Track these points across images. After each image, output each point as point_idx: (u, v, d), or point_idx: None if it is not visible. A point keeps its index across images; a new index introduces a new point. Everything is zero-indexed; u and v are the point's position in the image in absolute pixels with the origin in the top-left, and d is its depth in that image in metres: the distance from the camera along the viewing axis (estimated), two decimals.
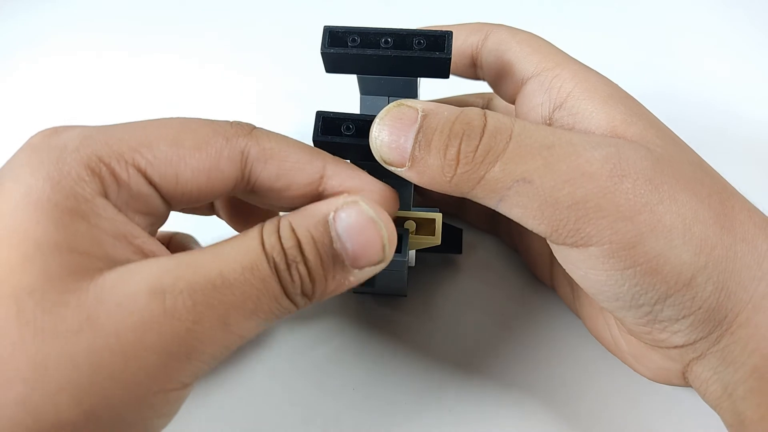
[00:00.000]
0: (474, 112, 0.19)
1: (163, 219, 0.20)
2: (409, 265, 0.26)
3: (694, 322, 0.19)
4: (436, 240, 0.23)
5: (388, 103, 0.25)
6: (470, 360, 0.27)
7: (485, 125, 0.19)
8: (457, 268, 0.29)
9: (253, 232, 0.18)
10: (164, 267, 0.16)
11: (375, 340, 0.27)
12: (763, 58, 0.38)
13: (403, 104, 0.19)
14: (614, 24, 0.40)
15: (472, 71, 0.25)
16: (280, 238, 0.17)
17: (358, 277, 0.18)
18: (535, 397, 0.26)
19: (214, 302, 0.16)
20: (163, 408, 0.16)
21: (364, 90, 0.25)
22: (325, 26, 0.23)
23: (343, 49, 0.22)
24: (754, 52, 0.38)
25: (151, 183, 0.18)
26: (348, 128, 0.22)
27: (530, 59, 0.22)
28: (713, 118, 0.35)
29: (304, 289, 0.18)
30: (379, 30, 0.23)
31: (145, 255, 0.18)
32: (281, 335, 0.27)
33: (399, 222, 0.24)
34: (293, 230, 0.18)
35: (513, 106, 0.24)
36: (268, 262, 0.17)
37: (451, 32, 0.22)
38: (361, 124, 0.22)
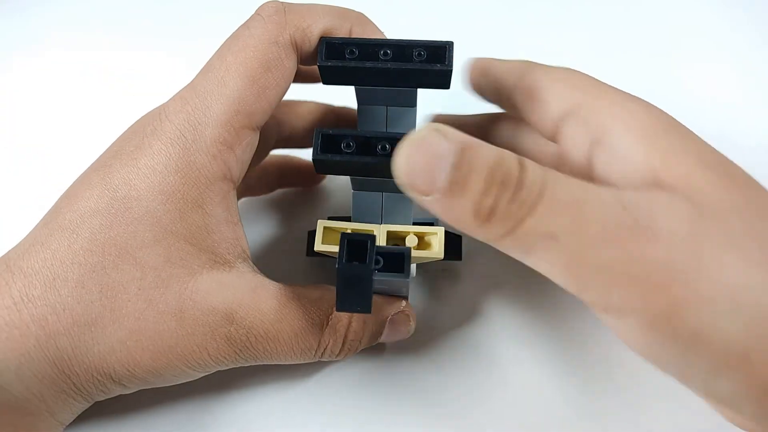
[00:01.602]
0: (512, 160, 0.17)
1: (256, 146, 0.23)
2: (411, 276, 0.26)
3: (759, 403, 0.16)
4: (439, 254, 0.23)
5: (387, 113, 0.25)
6: (472, 365, 0.27)
7: (524, 177, 0.16)
8: (457, 275, 0.29)
9: (323, 312, 0.23)
10: (245, 301, 0.21)
11: (376, 348, 0.27)
12: (763, 58, 0.37)
13: (440, 131, 0.16)
14: (616, 23, 0.40)
15: (507, 105, 0.24)
16: (348, 333, 0.23)
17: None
18: (540, 402, 0.26)
19: (262, 348, 0.22)
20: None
21: (362, 100, 0.24)
22: (322, 37, 0.22)
23: (341, 61, 0.22)
24: (756, 53, 0.38)
25: (256, 129, 0.22)
26: (348, 145, 0.21)
27: (568, 95, 0.21)
28: (715, 119, 0.34)
29: (340, 358, 0.24)
30: (377, 41, 0.22)
31: (239, 248, 0.22)
32: None
33: (400, 237, 0.23)
34: (363, 326, 0.23)
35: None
36: (320, 341, 0.23)
37: (452, 43, 0.22)
38: (362, 140, 0.21)
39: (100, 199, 0.21)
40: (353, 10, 0.23)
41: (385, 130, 0.24)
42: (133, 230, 0.20)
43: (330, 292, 0.23)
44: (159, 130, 0.21)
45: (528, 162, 0.17)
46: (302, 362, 0.23)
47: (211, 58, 0.22)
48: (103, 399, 0.22)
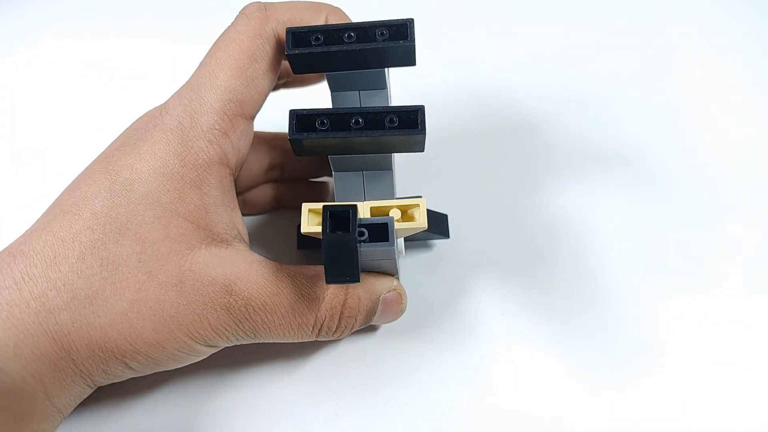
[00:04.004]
0: None
1: (252, 136, 0.25)
2: (400, 254, 0.26)
3: None
4: (422, 224, 0.24)
5: (360, 98, 0.25)
6: (461, 341, 0.27)
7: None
8: (444, 254, 0.30)
9: (319, 288, 0.23)
10: (243, 274, 0.22)
11: (368, 329, 0.27)
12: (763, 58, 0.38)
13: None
14: (615, 23, 0.40)
15: None
16: (343, 312, 0.24)
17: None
18: (528, 373, 0.26)
19: (260, 320, 0.22)
20: (194, 357, 0.23)
21: (335, 87, 0.25)
22: (287, 28, 0.23)
23: (308, 48, 0.23)
24: (756, 52, 0.38)
25: (249, 118, 0.24)
26: (323, 123, 0.22)
27: None
28: (714, 118, 0.35)
29: (336, 337, 0.25)
30: (340, 26, 0.23)
31: (235, 230, 0.23)
32: None
33: (383, 212, 0.24)
34: (360, 303, 0.24)
35: None
36: (316, 318, 0.23)
37: (413, 19, 0.23)
38: (335, 117, 0.22)
39: (102, 183, 0.22)
40: (329, 4, 0.25)
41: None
42: (133, 209, 0.21)
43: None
44: (159, 122, 0.23)
45: None
46: (301, 340, 0.24)
47: (203, 57, 0.24)
48: (104, 383, 0.22)
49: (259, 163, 0.29)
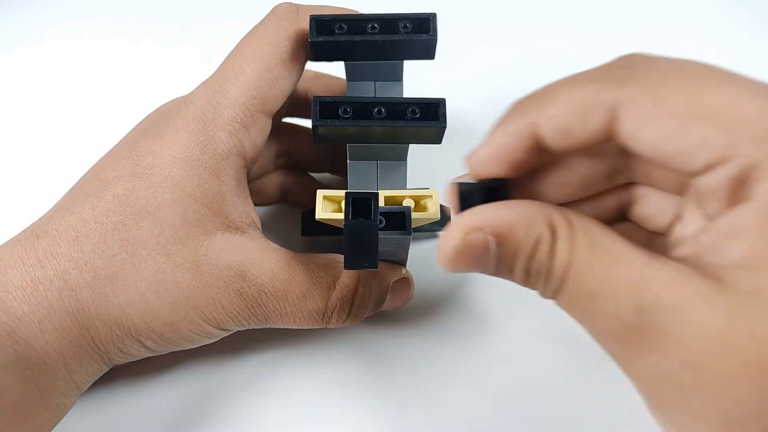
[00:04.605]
0: (545, 249, 0.17)
1: (269, 133, 0.25)
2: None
3: None
4: (435, 215, 0.24)
5: (375, 88, 0.26)
6: (467, 327, 0.28)
7: (552, 262, 0.17)
8: None
9: (330, 276, 0.24)
10: (257, 260, 0.23)
11: (377, 316, 0.28)
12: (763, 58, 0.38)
13: (471, 227, 0.17)
14: (614, 20, 0.41)
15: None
16: (354, 298, 0.24)
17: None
18: (540, 375, 0.27)
19: (271, 306, 0.23)
20: (208, 339, 0.23)
21: (351, 76, 0.25)
22: (311, 16, 0.23)
23: (331, 36, 0.23)
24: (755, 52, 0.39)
25: (268, 116, 0.24)
26: (346, 111, 0.22)
27: (710, 139, 0.15)
28: None
29: (347, 324, 0.25)
30: (365, 16, 0.23)
31: (249, 218, 0.24)
32: None
33: (397, 201, 0.24)
34: (371, 290, 0.24)
35: None
36: (327, 304, 0.23)
37: (435, 14, 0.23)
38: (358, 106, 0.22)
39: (124, 167, 0.22)
40: (358, 12, 0.25)
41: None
42: (153, 192, 0.22)
43: (337, 260, 0.25)
44: (183, 111, 0.23)
45: (559, 244, 0.16)
46: (311, 327, 0.24)
47: (231, 51, 0.24)
48: (120, 361, 0.22)
49: (269, 149, 0.29)
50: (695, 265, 0.15)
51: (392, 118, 0.22)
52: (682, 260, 0.16)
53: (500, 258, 0.17)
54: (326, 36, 0.23)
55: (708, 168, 0.15)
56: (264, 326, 0.24)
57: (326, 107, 0.22)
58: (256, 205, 0.31)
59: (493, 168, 0.18)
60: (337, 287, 0.24)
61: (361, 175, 0.25)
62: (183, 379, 0.26)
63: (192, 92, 0.24)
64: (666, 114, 0.15)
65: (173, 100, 0.25)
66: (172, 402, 0.26)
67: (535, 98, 0.17)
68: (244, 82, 0.23)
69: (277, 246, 0.24)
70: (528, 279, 0.17)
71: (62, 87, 0.37)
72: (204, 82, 0.24)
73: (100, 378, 0.23)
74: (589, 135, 0.16)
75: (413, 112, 0.22)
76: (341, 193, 0.24)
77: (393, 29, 0.23)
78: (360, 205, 0.21)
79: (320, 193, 0.24)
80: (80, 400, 0.23)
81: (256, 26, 0.24)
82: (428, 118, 0.22)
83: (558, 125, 0.17)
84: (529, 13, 0.41)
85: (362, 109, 0.22)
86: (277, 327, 0.24)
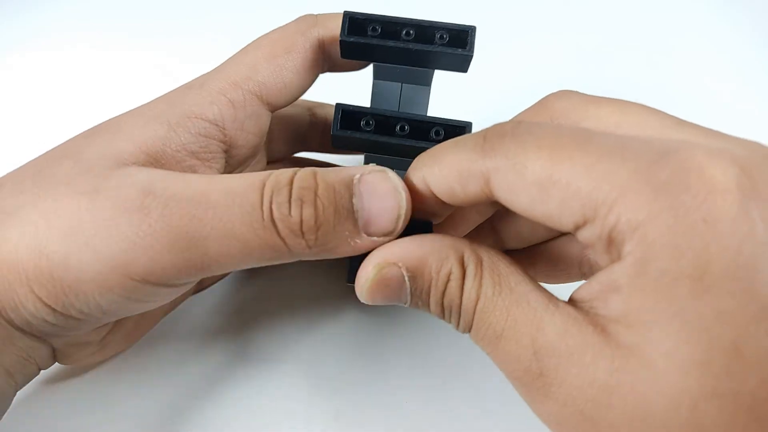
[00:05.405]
0: (455, 290, 0.17)
1: (267, 128, 0.23)
2: None
3: None
4: None
5: (401, 90, 0.25)
6: (468, 341, 0.28)
7: (462, 302, 0.17)
8: None
9: (263, 172, 0.19)
10: (165, 176, 0.19)
11: (368, 326, 0.28)
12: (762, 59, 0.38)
13: (385, 261, 0.17)
14: (613, 22, 0.40)
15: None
16: (293, 178, 0.18)
17: (362, 244, 0.18)
18: None
19: (187, 215, 0.18)
20: (126, 292, 0.18)
21: (378, 75, 0.24)
22: (345, 11, 0.22)
23: (363, 38, 0.22)
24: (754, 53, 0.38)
25: (266, 105, 0.22)
26: (368, 123, 0.21)
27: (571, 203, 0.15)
28: (713, 116, 0.35)
29: (304, 230, 0.18)
30: (401, 20, 0.22)
31: (190, 170, 0.21)
32: (272, 324, 0.28)
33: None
34: (314, 175, 0.18)
35: None
36: (262, 195, 0.18)
37: (475, 27, 0.22)
38: (381, 119, 0.22)
39: (94, 127, 0.22)
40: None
41: (398, 107, 0.24)
42: (92, 139, 0.20)
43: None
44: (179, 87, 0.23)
45: (467, 282, 0.17)
46: (265, 254, 0.18)
47: None
48: (22, 324, 0.19)
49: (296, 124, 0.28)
50: (588, 311, 0.16)
51: (414, 137, 0.22)
52: (579, 302, 0.16)
53: (414, 292, 0.18)
54: (358, 36, 0.22)
55: (577, 228, 0.15)
56: (193, 264, 0.18)
57: (348, 116, 0.22)
58: None
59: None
60: (271, 177, 0.18)
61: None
62: (166, 392, 0.26)
63: None
64: (527, 183, 0.16)
65: None
66: (171, 402, 0.26)
67: (428, 156, 0.18)
68: (244, 63, 0.22)
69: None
70: (443, 313, 0.18)
71: (62, 87, 0.37)
72: None
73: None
74: (471, 198, 0.17)
75: (437, 133, 0.22)
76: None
77: (428, 38, 0.22)
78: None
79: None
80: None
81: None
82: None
83: (444, 187, 0.18)
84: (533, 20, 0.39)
85: (385, 122, 0.22)
86: (215, 266, 0.18)
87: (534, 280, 0.17)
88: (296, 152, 0.30)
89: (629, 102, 0.18)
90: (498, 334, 0.16)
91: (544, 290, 0.17)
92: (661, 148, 0.15)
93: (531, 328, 0.16)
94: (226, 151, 0.22)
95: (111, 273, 0.18)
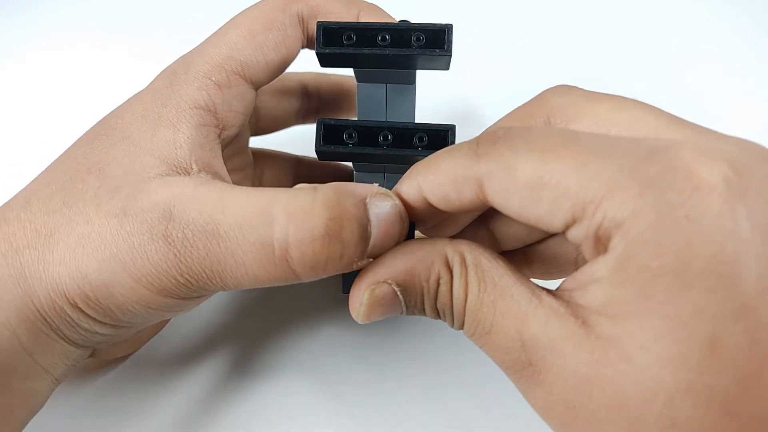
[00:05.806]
0: (445, 294, 0.18)
1: (252, 106, 0.24)
2: None
3: None
4: None
5: (386, 90, 0.25)
6: (467, 343, 0.28)
7: (453, 302, 0.18)
8: None
9: (272, 193, 0.19)
10: (182, 193, 0.19)
11: (367, 328, 0.28)
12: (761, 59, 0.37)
13: (374, 281, 0.18)
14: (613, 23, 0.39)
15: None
16: (313, 208, 0.18)
17: (362, 264, 0.18)
18: None
19: (203, 248, 0.18)
20: (165, 306, 0.20)
21: (361, 78, 0.24)
22: (318, 22, 0.22)
23: (339, 48, 0.22)
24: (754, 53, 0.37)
25: (250, 83, 0.23)
26: (350, 136, 0.21)
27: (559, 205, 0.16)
28: (713, 117, 0.34)
29: (327, 266, 0.18)
30: (375, 25, 0.22)
31: (209, 167, 0.21)
32: (272, 324, 0.28)
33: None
34: (336, 204, 0.18)
35: None
36: (272, 228, 0.18)
37: (451, 25, 0.21)
38: (363, 130, 0.22)
39: (90, 132, 0.22)
40: (364, 1, 0.24)
41: (384, 110, 0.24)
42: (107, 151, 0.21)
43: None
44: (160, 73, 0.23)
45: (455, 282, 0.17)
46: (273, 278, 0.19)
47: None
48: (83, 342, 0.21)
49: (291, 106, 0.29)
50: (569, 302, 0.16)
51: (398, 145, 0.22)
52: (561, 294, 0.17)
53: (409, 303, 0.18)
54: (333, 47, 0.22)
55: (567, 227, 0.16)
56: (215, 287, 0.19)
57: (330, 130, 0.22)
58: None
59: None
60: (278, 204, 0.18)
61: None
62: (182, 381, 0.27)
63: None
64: (519, 185, 0.16)
65: None
66: (172, 402, 0.26)
67: (423, 165, 0.18)
68: (224, 42, 0.22)
69: (221, 182, 0.20)
70: (439, 316, 0.19)
71: (62, 87, 0.37)
72: None
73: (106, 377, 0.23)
74: (466, 204, 0.17)
75: (420, 140, 0.22)
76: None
77: (405, 42, 0.22)
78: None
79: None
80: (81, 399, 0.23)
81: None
82: (437, 148, 0.21)
83: (439, 195, 0.18)
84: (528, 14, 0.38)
85: (367, 133, 0.22)
86: (232, 287, 0.19)
87: (517, 271, 0.17)
88: (289, 126, 0.30)
89: (626, 98, 0.18)
90: (488, 329, 0.17)
91: (528, 282, 0.17)
92: (650, 147, 0.15)
93: (516, 321, 0.16)
94: (219, 135, 0.23)
95: (148, 293, 0.19)
